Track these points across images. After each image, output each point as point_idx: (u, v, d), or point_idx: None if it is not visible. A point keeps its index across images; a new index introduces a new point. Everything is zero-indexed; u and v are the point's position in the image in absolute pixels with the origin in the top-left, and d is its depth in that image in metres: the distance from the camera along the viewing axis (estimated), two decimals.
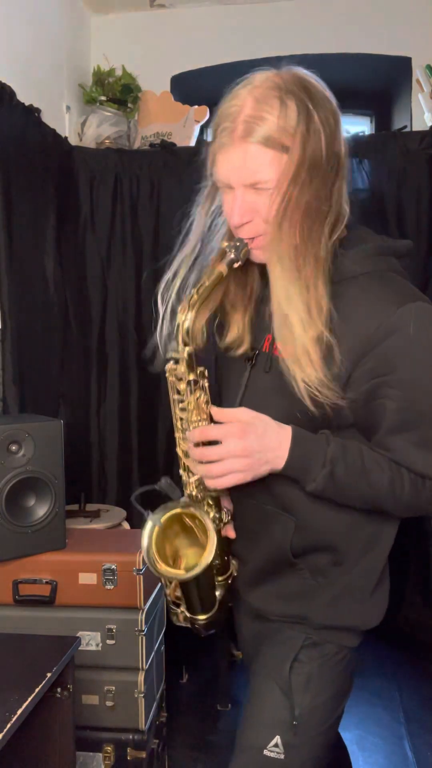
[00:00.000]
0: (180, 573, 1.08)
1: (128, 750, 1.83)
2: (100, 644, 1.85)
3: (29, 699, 1.22)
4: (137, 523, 3.07)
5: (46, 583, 1.85)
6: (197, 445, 1.05)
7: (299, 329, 1.00)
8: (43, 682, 1.29)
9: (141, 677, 1.85)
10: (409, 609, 3.00)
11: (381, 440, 1.06)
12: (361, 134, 3.06)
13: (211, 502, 1.15)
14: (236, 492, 1.16)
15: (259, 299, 1.17)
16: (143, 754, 1.83)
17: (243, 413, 1.06)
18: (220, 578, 1.22)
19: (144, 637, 1.84)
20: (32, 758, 1.45)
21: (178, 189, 2.98)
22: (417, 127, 3.05)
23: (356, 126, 3.63)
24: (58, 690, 1.43)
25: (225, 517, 1.18)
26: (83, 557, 1.87)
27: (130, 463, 3.13)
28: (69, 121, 2.99)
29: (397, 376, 1.01)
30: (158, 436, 3.12)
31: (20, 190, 2.43)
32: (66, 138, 2.90)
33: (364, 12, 3.14)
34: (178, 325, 1.06)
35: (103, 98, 3.07)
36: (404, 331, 1.00)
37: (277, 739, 1.12)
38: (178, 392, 1.09)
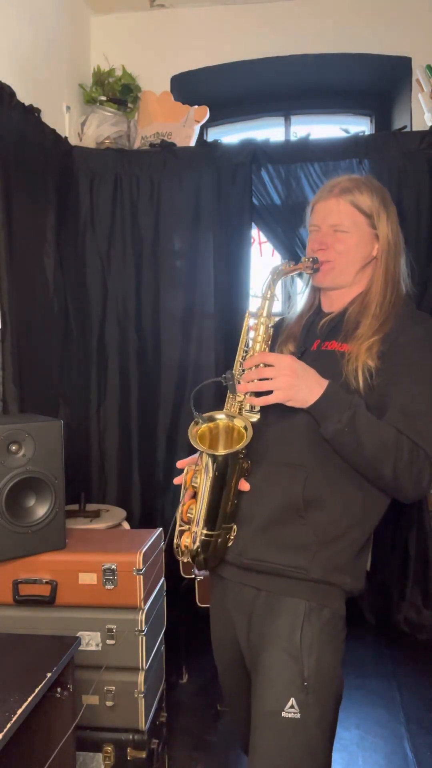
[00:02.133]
0: (218, 451, 1.29)
1: (128, 750, 1.83)
2: (100, 644, 1.85)
3: (29, 699, 1.22)
4: (137, 523, 3.08)
5: (46, 583, 1.85)
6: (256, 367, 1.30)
7: (369, 333, 1.36)
8: (43, 682, 1.29)
9: (141, 677, 1.85)
10: (409, 609, 3.00)
11: (391, 414, 1.28)
12: (361, 134, 3.06)
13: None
14: (254, 455, 1.36)
15: (311, 318, 1.51)
16: (143, 754, 1.83)
17: (293, 356, 1.35)
18: (223, 525, 1.34)
19: (144, 637, 1.84)
20: (32, 758, 1.45)
21: (178, 189, 2.98)
22: (417, 127, 3.05)
23: (356, 126, 3.64)
24: (58, 690, 1.43)
25: (246, 465, 1.35)
26: (83, 557, 1.87)
27: (130, 463, 3.13)
28: (69, 121, 2.99)
29: (408, 375, 1.31)
30: (158, 436, 3.12)
31: (20, 190, 2.43)
32: (66, 138, 2.90)
33: (364, 12, 3.15)
34: (268, 278, 1.39)
35: (103, 98, 3.08)
36: (419, 343, 1.33)
37: (292, 700, 1.27)
38: (250, 331, 1.39)
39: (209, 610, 1.54)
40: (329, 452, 1.32)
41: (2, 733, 1.12)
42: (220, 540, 1.35)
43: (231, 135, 3.68)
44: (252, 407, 1.33)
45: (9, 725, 1.14)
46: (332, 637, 1.34)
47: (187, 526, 1.35)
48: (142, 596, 1.84)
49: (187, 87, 3.31)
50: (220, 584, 1.47)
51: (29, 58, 2.61)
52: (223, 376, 1.33)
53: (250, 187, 2.97)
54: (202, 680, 2.62)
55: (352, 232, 1.42)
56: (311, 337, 1.48)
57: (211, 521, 1.32)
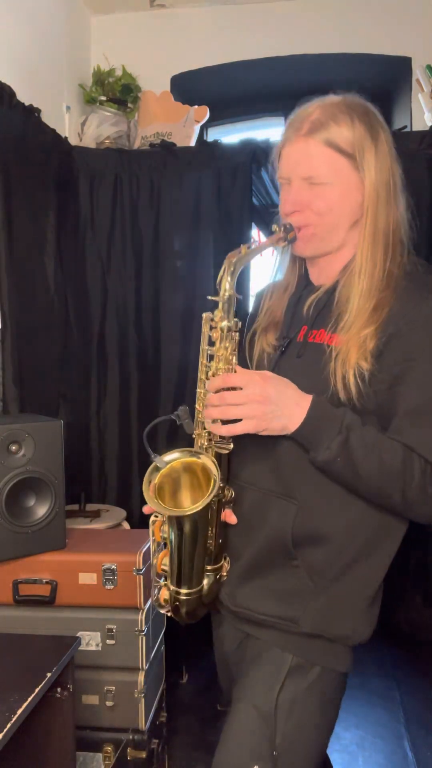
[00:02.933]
0: (177, 510, 1.07)
1: (128, 750, 1.83)
2: (100, 644, 1.85)
3: (29, 699, 1.22)
4: (137, 523, 3.07)
5: (46, 583, 1.85)
6: (218, 392, 1.06)
7: (359, 322, 1.07)
8: (43, 682, 1.29)
9: (141, 677, 1.85)
10: (409, 609, 3.00)
11: (397, 424, 1.04)
12: None
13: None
14: (238, 480, 1.17)
15: (296, 294, 1.24)
16: (143, 754, 1.83)
17: (267, 372, 1.10)
18: (209, 567, 1.17)
19: (144, 637, 1.84)
20: (32, 758, 1.45)
21: (178, 189, 2.98)
22: (417, 127, 3.05)
23: None
24: (58, 690, 1.43)
25: (228, 493, 1.16)
26: (83, 557, 1.87)
27: (130, 463, 3.13)
28: (69, 121, 2.99)
29: (421, 366, 1.04)
30: (158, 436, 3.12)
31: (20, 190, 2.43)
32: (66, 138, 2.90)
33: (364, 12, 3.14)
34: (222, 271, 1.09)
35: (103, 98, 3.07)
36: (426, 325, 1.04)
37: None
38: (210, 342, 1.12)
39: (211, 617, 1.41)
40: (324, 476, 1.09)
41: (2, 733, 1.11)
42: (206, 584, 1.17)
43: (231, 135, 3.68)
44: (222, 437, 1.10)
45: (9, 725, 1.14)
46: (323, 703, 1.12)
47: (164, 582, 1.17)
48: (142, 596, 1.84)
49: (187, 87, 3.30)
50: (215, 617, 1.32)
51: (29, 58, 2.60)
52: (176, 413, 1.12)
53: (250, 187, 2.97)
54: (202, 680, 2.62)
55: (332, 183, 1.10)
56: (297, 321, 1.19)
57: (186, 580, 1.13)
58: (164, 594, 1.17)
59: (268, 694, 1.10)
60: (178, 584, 1.13)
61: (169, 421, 1.15)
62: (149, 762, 1.85)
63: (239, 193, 2.97)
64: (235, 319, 1.11)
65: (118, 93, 3.10)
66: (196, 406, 1.15)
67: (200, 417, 1.14)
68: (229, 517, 1.17)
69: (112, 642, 1.84)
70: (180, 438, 1.20)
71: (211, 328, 1.11)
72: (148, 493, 1.07)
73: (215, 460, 1.09)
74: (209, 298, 1.12)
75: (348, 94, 1.17)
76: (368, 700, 2.53)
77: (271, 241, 1.14)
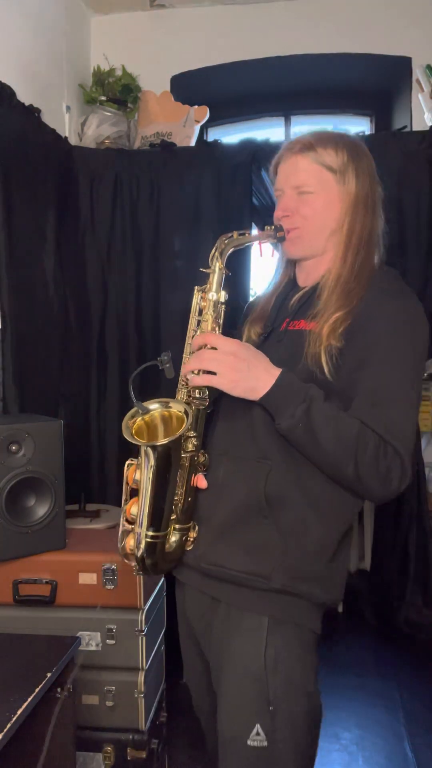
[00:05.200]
0: (151, 441, 1.16)
1: (128, 750, 1.83)
2: (100, 644, 1.85)
3: (29, 699, 1.22)
4: None
5: (46, 583, 1.85)
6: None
7: (331, 308, 1.21)
8: (43, 682, 1.29)
9: (141, 677, 1.85)
10: (409, 609, 3.00)
11: (358, 404, 1.14)
12: (361, 134, 3.06)
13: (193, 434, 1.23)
14: (213, 449, 1.26)
15: (283, 293, 1.38)
16: (143, 754, 1.83)
17: (245, 342, 1.24)
18: (177, 526, 1.24)
19: (144, 637, 1.84)
20: (32, 758, 1.45)
21: (178, 189, 2.98)
22: (417, 127, 3.05)
23: (356, 126, 3.64)
24: (58, 690, 1.43)
25: (202, 458, 1.25)
26: (83, 557, 1.87)
27: None
28: (69, 121, 2.99)
29: (378, 355, 1.16)
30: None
31: (20, 190, 2.43)
32: (66, 138, 2.90)
33: (364, 12, 3.14)
34: (214, 249, 1.25)
35: (103, 98, 3.07)
36: (392, 321, 1.17)
37: (257, 727, 1.14)
38: (200, 312, 1.25)
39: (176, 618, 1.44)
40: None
41: (2, 733, 1.11)
42: (173, 540, 1.23)
43: (231, 135, 3.68)
44: (201, 393, 1.21)
45: (9, 725, 1.14)
46: (301, 656, 1.19)
47: (131, 527, 1.22)
48: (142, 596, 1.84)
49: (187, 87, 3.30)
50: (179, 589, 1.37)
51: (29, 58, 2.61)
52: (159, 358, 1.24)
53: (250, 187, 2.96)
54: None
55: (318, 193, 1.25)
56: (282, 315, 1.33)
57: (156, 520, 1.19)
58: (130, 542, 1.22)
59: (255, 657, 1.17)
60: (147, 525, 1.19)
61: (155, 370, 1.27)
62: (149, 762, 1.85)
63: (239, 193, 2.96)
64: (223, 292, 1.24)
65: (118, 93, 3.10)
66: (182, 370, 1.26)
67: (183, 379, 1.25)
68: (200, 481, 1.24)
69: (112, 642, 1.84)
70: (164, 387, 1.31)
71: (201, 299, 1.25)
72: (127, 429, 1.16)
73: (188, 407, 1.20)
74: (201, 270, 1.26)
75: (338, 131, 1.34)
76: (368, 700, 2.52)
77: (261, 235, 1.29)
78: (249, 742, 1.14)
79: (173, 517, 1.23)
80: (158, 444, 1.14)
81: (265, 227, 1.29)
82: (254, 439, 1.22)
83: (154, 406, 1.23)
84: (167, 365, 1.22)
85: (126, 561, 1.25)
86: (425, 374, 1.69)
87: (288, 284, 1.39)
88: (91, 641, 1.84)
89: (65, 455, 1.91)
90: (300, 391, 1.14)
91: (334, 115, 3.64)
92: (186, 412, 1.19)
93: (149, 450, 1.15)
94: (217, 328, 1.24)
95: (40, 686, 1.27)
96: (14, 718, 1.16)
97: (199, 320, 1.26)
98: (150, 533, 1.19)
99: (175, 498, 1.22)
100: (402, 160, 2.85)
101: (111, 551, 1.88)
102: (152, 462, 1.15)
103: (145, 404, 1.22)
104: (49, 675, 1.31)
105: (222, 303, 1.24)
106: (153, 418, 1.23)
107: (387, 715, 2.44)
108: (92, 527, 2.40)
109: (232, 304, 1.28)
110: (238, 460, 1.23)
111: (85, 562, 1.85)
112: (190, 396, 1.23)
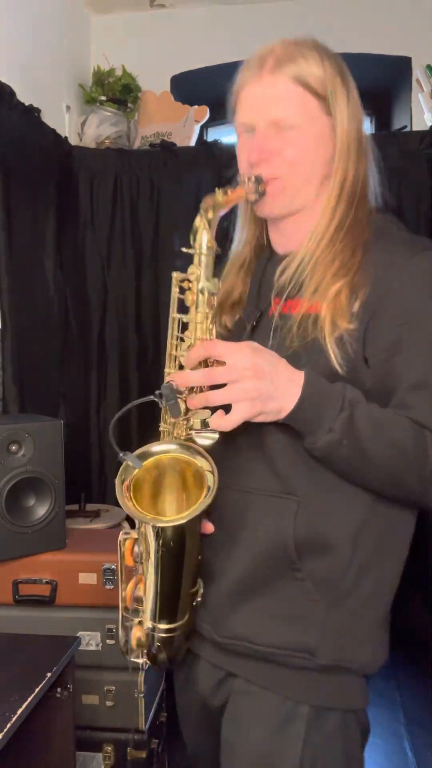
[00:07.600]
0: (169, 518, 0.84)
1: (128, 750, 1.83)
2: (100, 644, 1.85)
3: (29, 699, 1.22)
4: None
5: (46, 583, 1.84)
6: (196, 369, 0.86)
7: (327, 279, 0.92)
8: (43, 682, 1.29)
9: (141, 677, 1.85)
10: (409, 609, 3.00)
11: (402, 397, 0.88)
12: None
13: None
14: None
15: (260, 267, 1.07)
16: (143, 754, 1.82)
17: (251, 342, 0.90)
18: (193, 605, 0.97)
19: None
20: (32, 758, 1.45)
21: (178, 189, 2.98)
22: (417, 127, 3.05)
23: None
24: (58, 690, 1.43)
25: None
26: (83, 557, 1.87)
27: None
28: (69, 121, 2.99)
29: (421, 331, 0.88)
30: (158, 436, 3.12)
31: (20, 190, 2.43)
32: (66, 138, 2.90)
33: (364, 12, 3.14)
34: (198, 219, 0.95)
35: (103, 98, 3.07)
36: (420, 283, 0.90)
37: None
38: (182, 309, 0.93)
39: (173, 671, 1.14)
40: (323, 467, 0.90)
41: (2, 733, 1.11)
42: (189, 627, 0.94)
43: (231, 135, 3.67)
44: (203, 423, 0.87)
45: (9, 725, 1.14)
46: (348, 756, 0.93)
47: (136, 619, 0.93)
48: None
49: (187, 87, 3.30)
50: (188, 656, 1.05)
51: (29, 58, 2.60)
52: (158, 392, 0.86)
53: None
54: None
55: (303, 126, 0.92)
56: (265, 294, 1.00)
57: (169, 612, 0.89)
58: (136, 635, 0.93)
59: (286, 758, 0.91)
60: (161, 618, 0.89)
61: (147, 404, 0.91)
62: (149, 762, 1.85)
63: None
64: (215, 279, 0.93)
65: (118, 93, 3.10)
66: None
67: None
68: (206, 526, 0.94)
69: (112, 642, 1.84)
70: (155, 422, 0.97)
71: (183, 290, 0.92)
72: (122, 495, 0.86)
73: (210, 460, 0.87)
74: (183, 250, 0.93)
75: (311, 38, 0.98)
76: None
77: (244, 191, 0.95)
78: None
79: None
80: (170, 526, 0.83)
81: (244, 179, 0.96)
82: (269, 466, 0.92)
83: (156, 449, 0.89)
84: (171, 401, 0.86)
85: (133, 659, 0.96)
86: None
87: (263, 254, 1.07)
88: (91, 641, 1.84)
89: (65, 455, 1.91)
90: (334, 397, 0.85)
91: None
92: (212, 471, 0.85)
93: (156, 530, 0.84)
94: (213, 329, 0.92)
95: (40, 686, 1.27)
96: (14, 718, 1.16)
97: (185, 320, 0.92)
98: (165, 627, 0.90)
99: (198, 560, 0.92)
100: (402, 160, 2.85)
101: (111, 551, 1.88)
102: (162, 542, 0.85)
103: (141, 451, 0.88)
104: (49, 675, 1.31)
105: (213, 294, 0.92)
106: (158, 463, 0.90)
107: (387, 715, 2.44)
108: (92, 527, 2.40)
109: None
110: (252, 495, 0.93)
111: (85, 562, 1.85)
112: (190, 425, 0.90)
